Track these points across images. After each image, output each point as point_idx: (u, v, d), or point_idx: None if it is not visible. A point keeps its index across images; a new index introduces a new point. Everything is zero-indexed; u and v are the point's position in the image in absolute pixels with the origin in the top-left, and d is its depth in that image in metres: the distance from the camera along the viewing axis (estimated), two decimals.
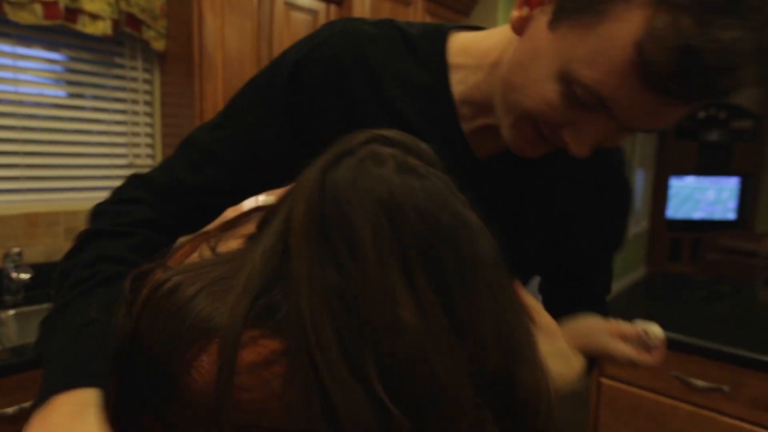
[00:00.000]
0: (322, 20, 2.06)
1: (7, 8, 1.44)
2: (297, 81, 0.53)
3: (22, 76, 1.62)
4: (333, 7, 2.10)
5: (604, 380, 1.50)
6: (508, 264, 0.41)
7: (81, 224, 1.76)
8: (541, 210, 0.59)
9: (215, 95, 1.71)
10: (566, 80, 0.40)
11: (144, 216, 0.54)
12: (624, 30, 0.36)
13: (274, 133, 0.55)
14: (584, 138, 0.43)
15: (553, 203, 0.59)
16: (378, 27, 0.56)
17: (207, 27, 1.68)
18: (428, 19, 2.45)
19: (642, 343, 0.57)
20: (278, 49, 1.90)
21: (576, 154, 0.45)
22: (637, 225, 5.15)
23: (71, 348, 0.42)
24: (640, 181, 5.05)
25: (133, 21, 1.74)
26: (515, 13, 0.45)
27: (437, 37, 0.56)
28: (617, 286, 4.73)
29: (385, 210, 0.35)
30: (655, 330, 0.58)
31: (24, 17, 1.47)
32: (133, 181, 0.59)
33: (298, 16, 1.96)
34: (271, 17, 1.87)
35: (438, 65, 0.54)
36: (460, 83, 0.54)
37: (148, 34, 1.78)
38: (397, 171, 0.36)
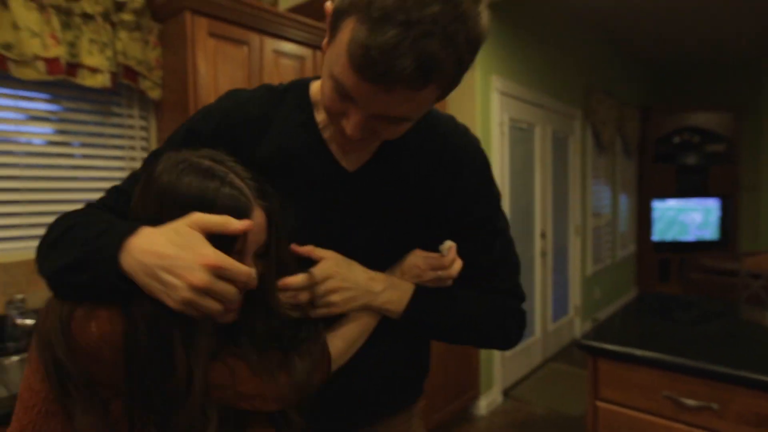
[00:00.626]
0: (309, 65, 2.17)
1: (10, 66, 1.52)
2: (195, 135, 0.71)
3: (24, 128, 1.68)
4: (320, 53, 2.21)
5: (600, 404, 1.53)
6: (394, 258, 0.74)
7: None
8: (410, 201, 0.74)
9: None
10: (333, 77, 0.57)
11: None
12: (344, 38, 0.53)
13: None
14: (352, 122, 0.59)
15: (417, 193, 0.74)
16: (254, 91, 0.75)
17: (201, 76, 1.77)
18: None
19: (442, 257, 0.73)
20: None
21: (349, 135, 0.60)
22: (625, 248, 5.25)
23: (113, 221, 0.60)
24: (624, 205, 5.18)
25: (130, 73, 1.82)
26: (324, 41, 0.61)
27: (301, 85, 0.75)
28: (611, 307, 4.79)
29: None
30: (447, 242, 0.73)
31: (27, 74, 1.54)
32: (91, 203, 0.73)
33: (286, 62, 2.07)
34: (261, 65, 1.96)
35: (305, 105, 0.73)
36: (320, 114, 0.72)
37: (145, 84, 1.86)
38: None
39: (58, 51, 1.59)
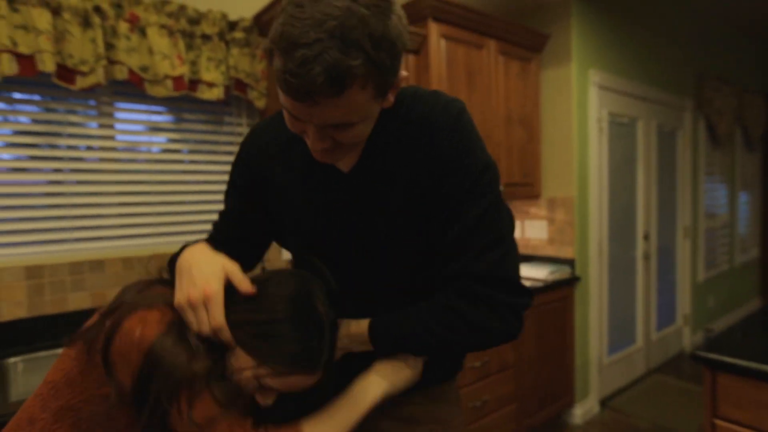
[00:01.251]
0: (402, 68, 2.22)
1: (146, 85, 1.74)
2: (238, 189, 0.90)
3: (146, 138, 1.93)
4: (411, 57, 2.26)
5: (719, 422, 1.40)
6: (395, 251, 0.80)
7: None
8: (403, 190, 0.78)
9: None
10: (282, 106, 0.67)
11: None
12: (274, 67, 0.63)
13: (243, 206, 0.91)
14: (311, 137, 0.68)
15: (407, 181, 0.77)
16: (269, 118, 0.89)
17: None
18: (501, 60, 2.54)
19: None
20: None
21: (313, 148, 0.69)
22: (746, 253, 4.70)
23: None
24: (744, 205, 4.64)
25: (240, 85, 2.00)
26: None
27: None
28: (729, 318, 4.31)
29: None
30: None
31: (159, 91, 1.76)
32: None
33: None
34: None
35: None
36: None
37: (252, 94, 2.03)
38: None
39: (182, 70, 1.80)
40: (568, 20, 2.68)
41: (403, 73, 0.70)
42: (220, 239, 0.89)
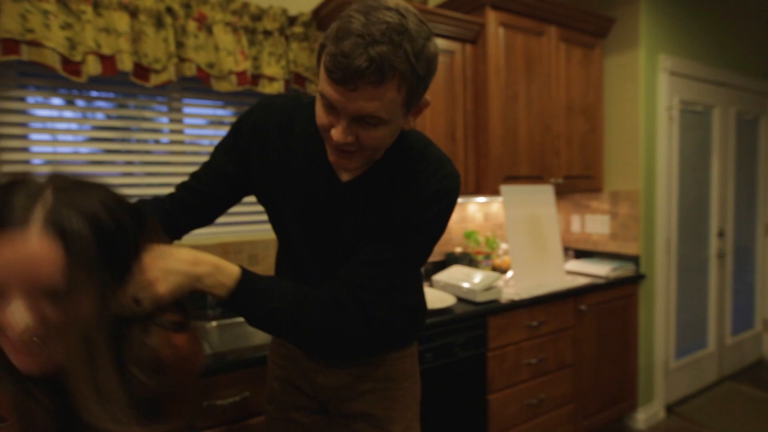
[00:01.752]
0: (459, 59, 2.19)
1: (212, 81, 1.83)
2: (238, 134, 0.95)
3: (219, 132, 2.02)
4: (468, 47, 2.22)
5: None
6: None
7: (259, 251, 2.07)
8: (384, 211, 0.89)
9: None
10: (320, 93, 0.76)
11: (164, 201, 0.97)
12: (323, 61, 0.73)
13: (230, 163, 0.96)
14: (338, 129, 0.75)
15: (384, 214, 0.89)
16: (285, 98, 0.97)
17: None
18: (562, 47, 2.44)
19: None
20: None
21: (336, 141, 0.76)
22: None
23: None
24: None
25: (299, 78, 2.05)
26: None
27: None
28: None
29: None
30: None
31: (224, 86, 1.84)
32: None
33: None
34: None
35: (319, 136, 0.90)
36: None
37: (310, 88, 2.08)
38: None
39: (245, 65, 1.87)
40: (636, 2, 2.53)
41: (427, 98, 0.81)
42: (194, 187, 0.95)
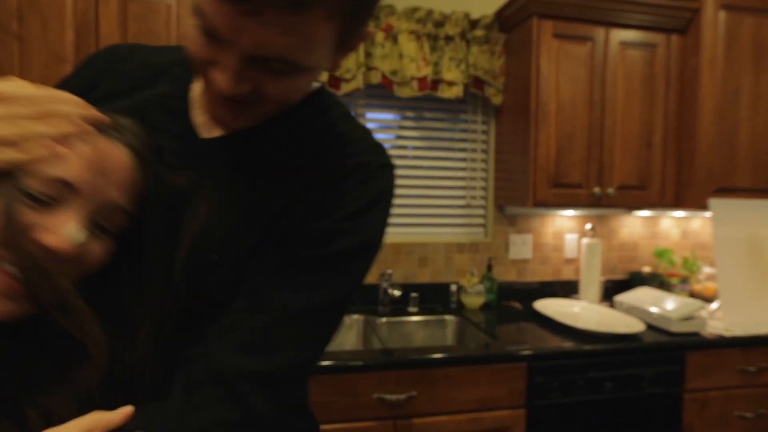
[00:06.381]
0: (662, 53, 1.92)
1: (395, 87, 1.91)
2: (84, 71, 0.65)
3: (389, 136, 2.10)
4: (675, 37, 1.93)
5: None
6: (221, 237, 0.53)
7: (429, 254, 2.09)
8: (259, 192, 0.55)
9: (548, 141, 1.81)
10: (195, 11, 0.45)
11: None
12: None
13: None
14: (226, 70, 0.46)
15: (270, 188, 0.56)
16: (169, 48, 0.67)
17: (543, 78, 1.80)
18: None
19: None
20: (611, 91, 1.87)
21: (223, 89, 0.47)
22: None
23: None
24: None
25: (478, 82, 2.02)
26: None
27: None
28: None
29: None
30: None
31: (405, 92, 1.91)
32: None
33: (633, 54, 1.89)
34: (604, 60, 1.86)
35: (190, 76, 0.60)
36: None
37: (489, 91, 2.03)
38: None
39: (426, 71, 1.91)
40: None
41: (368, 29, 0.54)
42: None
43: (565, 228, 2.23)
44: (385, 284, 1.93)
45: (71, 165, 0.43)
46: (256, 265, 0.54)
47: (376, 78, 1.90)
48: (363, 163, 0.56)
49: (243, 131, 0.57)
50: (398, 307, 1.96)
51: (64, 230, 0.43)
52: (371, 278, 2.01)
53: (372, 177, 0.56)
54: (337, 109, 0.62)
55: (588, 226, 2.18)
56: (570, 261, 2.24)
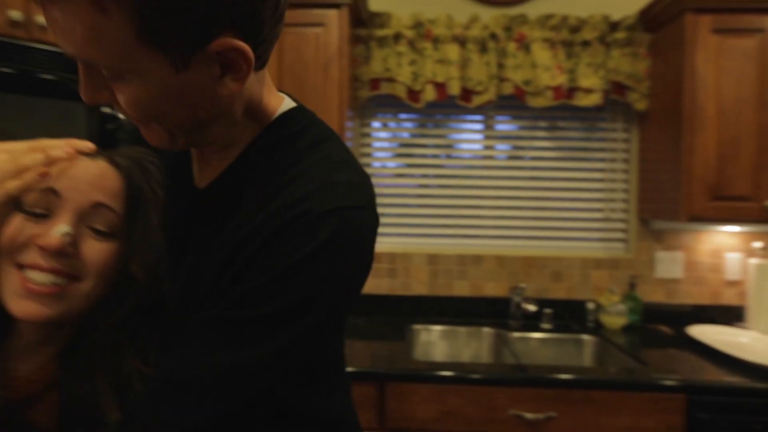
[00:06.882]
0: None
1: (528, 97, 1.88)
2: None
3: (519, 145, 2.06)
4: None
5: None
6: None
7: (564, 269, 2.01)
8: (231, 230, 0.55)
9: (706, 148, 1.62)
10: None
11: None
12: None
13: None
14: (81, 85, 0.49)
15: (229, 234, 0.55)
16: None
17: (699, 79, 1.63)
18: None
19: None
20: None
21: (84, 100, 0.49)
22: None
23: None
24: None
25: (619, 87, 1.90)
26: None
27: None
28: None
29: None
30: None
31: (539, 102, 1.87)
32: None
33: None
34: None
35: None
36: None
37: (632, 96, 1.89)
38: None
39: (561, 79, 1.85)
40: None
41: (237, 43, 0.45)
42: None
43: (725, 245, 1.96)
44: (517, 298, 1.88)
45: (56, 177, 0.51)
46: (187, 321, 0.53)
47: (508, 89, 1.88)
48: (303, 213, 0.50)
49: (226, 172, 0.58)
50: (530, 322, 1.89)
51: (52, 230, 0.50)
52: (501, 291, 1.98)
53: (311, 228, 0.49)
54: (310, 132, 0.58)
55: (758, 244, 1.90)
56: (732, 283, 1.96)
